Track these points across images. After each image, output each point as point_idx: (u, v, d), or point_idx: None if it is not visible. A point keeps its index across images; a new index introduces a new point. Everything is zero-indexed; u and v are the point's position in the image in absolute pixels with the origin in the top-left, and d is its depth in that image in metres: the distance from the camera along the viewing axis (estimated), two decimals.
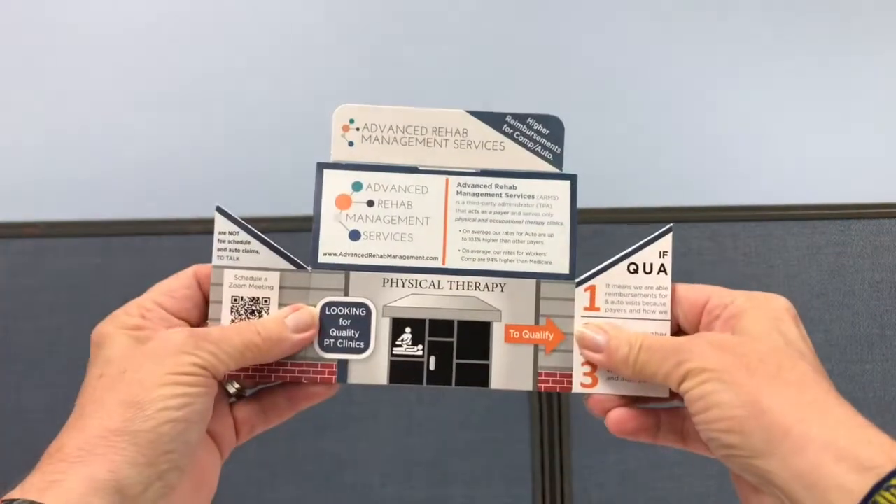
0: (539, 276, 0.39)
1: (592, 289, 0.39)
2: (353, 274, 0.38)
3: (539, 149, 0.40)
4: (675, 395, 0.39)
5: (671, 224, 0.40)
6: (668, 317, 0.38)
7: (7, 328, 0.78)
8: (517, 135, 0.40)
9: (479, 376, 0.38)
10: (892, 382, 0.78)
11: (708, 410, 0.32)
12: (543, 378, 0.38)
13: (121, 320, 0.37)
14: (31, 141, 0.91)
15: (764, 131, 0.95)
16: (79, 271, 0.79)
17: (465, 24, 0.94)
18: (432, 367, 0.38)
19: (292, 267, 0.39)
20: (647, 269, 0.39)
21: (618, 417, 0.40)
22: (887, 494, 0.27)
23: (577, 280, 0.39)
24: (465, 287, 0.38)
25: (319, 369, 0.38)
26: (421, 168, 0.40)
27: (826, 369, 0.33)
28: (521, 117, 0.40)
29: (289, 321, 0.37)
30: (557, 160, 0.40)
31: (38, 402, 0.77)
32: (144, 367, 0.33)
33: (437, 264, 0.39)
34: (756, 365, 0.33)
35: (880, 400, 0.78)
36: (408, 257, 0.39)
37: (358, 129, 0.40)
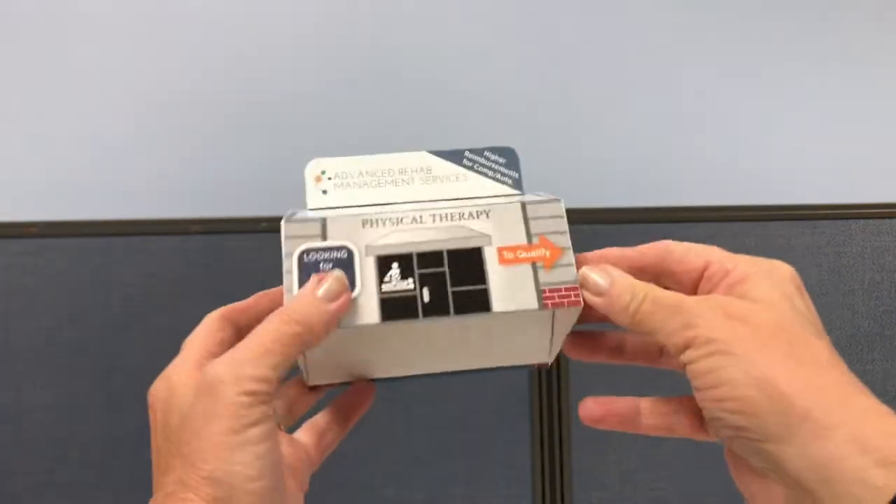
0: (525, 202, 0.37)
1: None
2: (329, 219, 0.37)
3: (499, 176, 0.41)
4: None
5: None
6: None
7: (7, 328, 0.78)
8: (477, 167, 0.41)
9: (479, 301, 0.35)
10: (892, 382, 0.78)
11: (716, 387, 0.30)
12: (548, 294, 0.35)
13: (177, 371, 0.34)
14: (31, 141, 0.91)
15: (764, 131, 0.95)
16: (79, 271, 0.79)
17: (466, 20, 0.94)
18: (426, 298, 0.35)
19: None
20: None
21: (589, 409, 0.38)
22: None
23: (559, 197, 0.37)
24: (450, 218, 0.37)
25: None
26: (393, 202, 0.41)
27: None
28: (478, 151, 0.41)
29: (320, 294, 0.33)
30: (517, 184, 0.41)
31: (38, 402, 0.77)
32: (206, 430, 0.31)
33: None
34: (768, 339, 0.30)
35: (880, 400, 0.78)
36: (387, 202, 0.38)
37: (330, 178, 0.41)
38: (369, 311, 0.35)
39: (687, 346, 0.31)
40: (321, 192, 0.41)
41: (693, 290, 0.35)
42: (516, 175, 0.41)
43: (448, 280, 0.35)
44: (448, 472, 0.78)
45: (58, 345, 0.78)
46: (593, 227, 0.79)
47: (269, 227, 0.79)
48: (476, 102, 0.94)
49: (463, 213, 0.37)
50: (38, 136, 0.91)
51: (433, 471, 0.78)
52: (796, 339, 0.30)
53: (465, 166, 0.41)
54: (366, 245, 0.36)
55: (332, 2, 0.93)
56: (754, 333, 0.30)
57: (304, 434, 0.40)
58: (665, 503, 0.78)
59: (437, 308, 0.35)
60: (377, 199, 0.40)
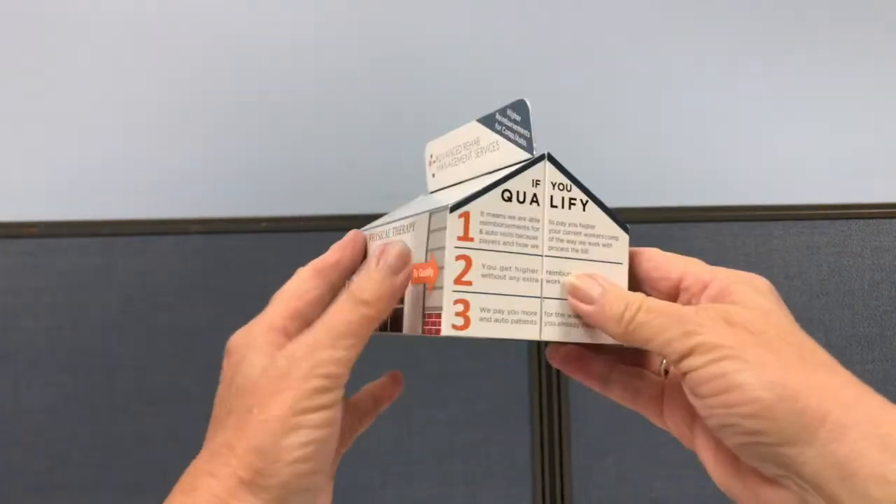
0: (432, 211, 0.34)
1: (466, 216, 0.33)
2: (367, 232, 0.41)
3: (518, 138, 0.38)
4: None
5: (545, 153, 0.36)
6: (540, 252, 0.35)
7: (7, 328, 0.78)
8: (504, 130, 0.39)
9: (398, 321, 0.35)
10: (892, 382, 0.78)
11: (727, 392, 0.29)
12: (427, 320, 0.33)
13: (260, 330, 0.33)
14: (31, 141, 0.91)
15: (764, 131, 0.95)
16: (79, 271, 0.79)
17: (469, 24, 0.94)
18: None
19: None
20: (521, 199, 0.35)
21: (564, 353, 0.38)
22: None
23: (451, 205, 0.33)
24: (401, 231, 0.37)
25: None
26: (455, 182, 0.43)
27: None
28: (503, 111, 0.39)
29: (383, 267, 0.33)
30: (529, 145, 0.37)
31: (38, 402, 0.77)
32: (269, 403, 0.30)
33: (393, 217, 0.40)
34: (774, 344, 0.30)
35: None
36: (453, 183, 0.41)
37: (434, 161, 0.45)
38: None
39: (689, 354, 0.30)
40: (432, 176, 0.45)
41: (669, 299, 0.35)
42: (528, 134, 0.37)
43: None
44: (448, 471, 0.78)
45: (58, 345, 0.78)
46: None
47: (269, 227, 0.79)
48: (474, 102, 0.93)
49: (404, 227, 0.36)
50: (37, 137, 0.91)
51: (433, 470, 0.78)
52: (802, 345, 0.30)
53: (497, 131, 0.39)
54: None
55: (333, 1, 0.93)
56: (760, 339, 0.30)
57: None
58: (664, 503, 0.78)
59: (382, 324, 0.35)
60: (452, 179, 0.43)
